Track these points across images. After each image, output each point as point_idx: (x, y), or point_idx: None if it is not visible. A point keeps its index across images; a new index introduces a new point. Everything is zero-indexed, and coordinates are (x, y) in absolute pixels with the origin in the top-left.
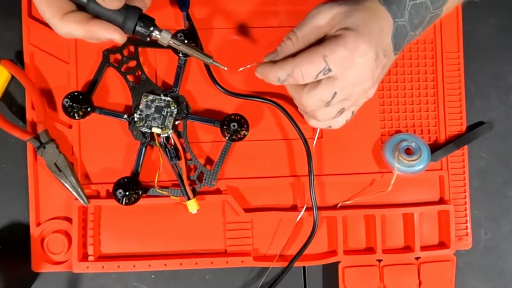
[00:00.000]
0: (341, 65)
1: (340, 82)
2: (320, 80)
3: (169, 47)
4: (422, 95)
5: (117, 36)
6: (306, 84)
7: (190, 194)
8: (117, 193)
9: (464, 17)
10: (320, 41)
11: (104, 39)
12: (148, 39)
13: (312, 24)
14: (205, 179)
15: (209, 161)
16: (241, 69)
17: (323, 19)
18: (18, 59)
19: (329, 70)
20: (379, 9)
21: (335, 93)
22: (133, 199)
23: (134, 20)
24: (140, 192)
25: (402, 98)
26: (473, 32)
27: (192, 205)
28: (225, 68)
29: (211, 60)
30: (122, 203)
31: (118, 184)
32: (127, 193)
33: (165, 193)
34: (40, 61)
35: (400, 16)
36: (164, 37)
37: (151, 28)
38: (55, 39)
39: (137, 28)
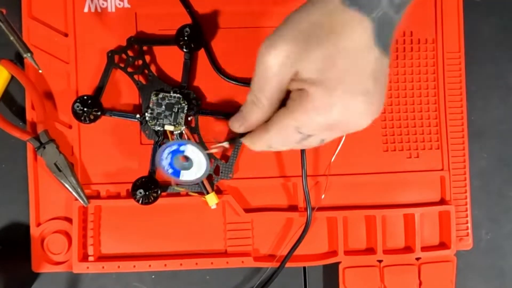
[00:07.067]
0: (319, 126)
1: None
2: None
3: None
4: (423, 95)
5: None
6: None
7: (209, 188)
8: (137, 193)
9: (464, 17)
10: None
11: None
12: None
13: (266, 79)
14: (221, 172)
15: (223, 155)
16: (212, 147)
17: (275, 68)
18: (18, 59)
19: (308, 135)
20: (342, 17)
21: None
22: (152, 198)
23: None
24: (159, 191)
25: (403, 98)
26: (473, 32)
27: (212, 199)
28: (40, 71)
29: (28, 55)
30: (141, 202)
31: (137, 184)
32: (147, 192)
33: (183, 189)
34: (40, 61)
35: (376, 5)
36: None
37: None
38: (55, 39)
39: None
